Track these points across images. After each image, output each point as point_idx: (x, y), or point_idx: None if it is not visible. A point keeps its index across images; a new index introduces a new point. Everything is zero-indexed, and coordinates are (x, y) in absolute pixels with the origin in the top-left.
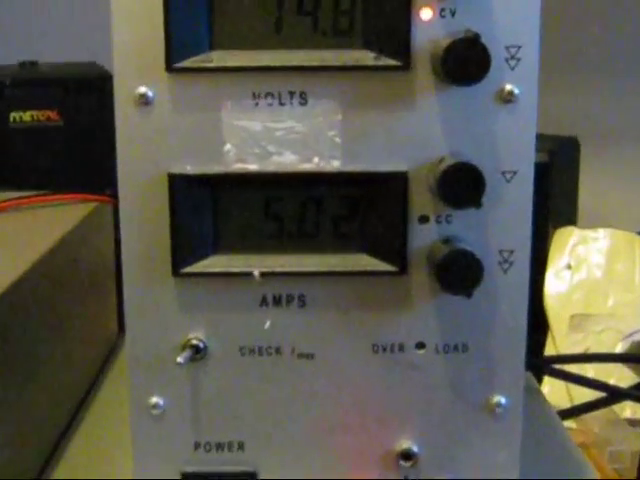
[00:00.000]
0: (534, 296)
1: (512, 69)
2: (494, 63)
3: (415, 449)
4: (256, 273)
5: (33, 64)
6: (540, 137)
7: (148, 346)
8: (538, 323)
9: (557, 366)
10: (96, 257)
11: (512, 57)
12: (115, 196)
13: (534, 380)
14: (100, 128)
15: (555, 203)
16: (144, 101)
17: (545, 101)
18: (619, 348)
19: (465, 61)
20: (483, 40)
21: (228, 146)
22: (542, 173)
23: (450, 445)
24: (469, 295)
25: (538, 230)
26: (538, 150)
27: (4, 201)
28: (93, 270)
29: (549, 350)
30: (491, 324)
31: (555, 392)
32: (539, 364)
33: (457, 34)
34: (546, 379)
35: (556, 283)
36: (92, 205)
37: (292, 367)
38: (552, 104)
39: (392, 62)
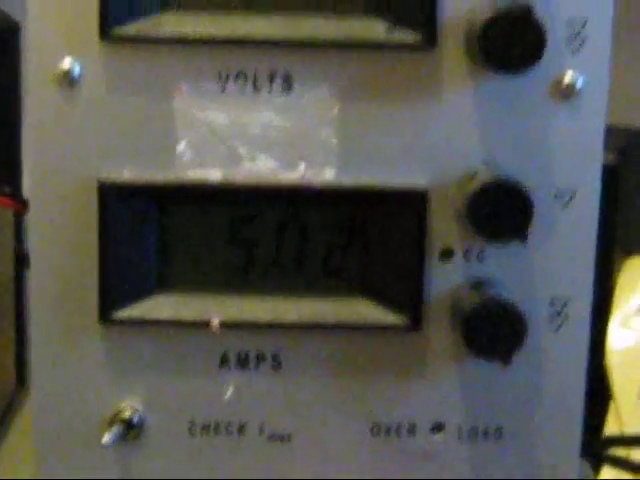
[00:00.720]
0: (592, 351)
1: (574, 52)
2: (551, 43)
3: None
4: (215, 322)
5: None
6: (606, 130)
7: (62, 419)
8: (597, 389)
9: (622, 451)
10: None
11: (575, 35)
12: (18, 197)
13: (590, 471)
14: (1, 103)
15: (625, 220)
16: (68, 80)
17: (614, 81)
18: None
19: (511, 42)
20: (537, 11)
21: (182, 145)
22: (608, 179)
23: None
24: (507, 362)
25: (600, 258)
26: (604, 148)
27: None
28: None
29: (611, 427)
30: (535, 401)
31: None
32: (597, 448)
33: (501, 4)
34: (606, 469)
35: (623, 334)
36: None
37: (261, 452)
38: (623, 85)
39: (411, 37)
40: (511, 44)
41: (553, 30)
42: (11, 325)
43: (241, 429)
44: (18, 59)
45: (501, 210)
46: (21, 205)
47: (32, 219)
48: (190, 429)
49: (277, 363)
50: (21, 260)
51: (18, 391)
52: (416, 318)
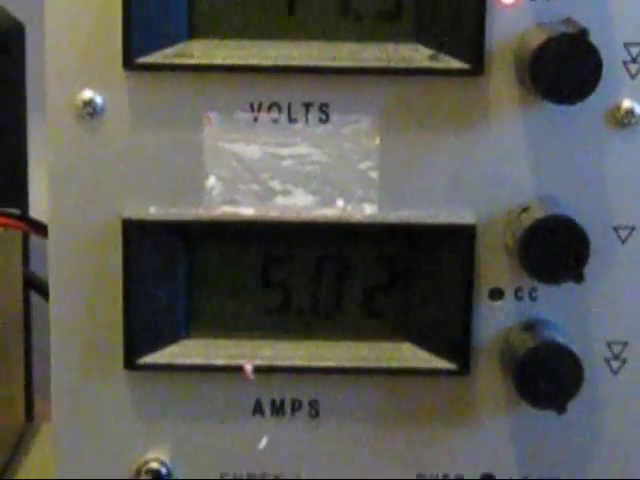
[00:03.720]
0: None
1: (633, 77)
2: (607, 69)
3: None
4: (248, 367)
5: None
6: None
7: (85, 470)
8: None
9: None
10: None
11: (633, 60)
12: (26, 219)
13: None
14: (4, 113)
15: None
16: (90, 111)
17: None
18: None
19: (565, 70)
20: (592, 37)
21: (212, 180)
22: None
23: None
24: (561, 410)
25: None
26: None
27: None
28: None
29: None
30: (593, 451)
31: None
32: None
33: (553, 27)
34: None
35: None
36: None
37: None
38: None
39: (457, 64)
40: (565, 74)
41: (609, 55)
42: (20, 356)
43: None
44: (23, 61)
45: (555, 249)
46: (29, 226)
47: (52, 263)
48: None
49: (314, 410)
50: (31, 284)
51: (27, 427)
52: (464, 362)
